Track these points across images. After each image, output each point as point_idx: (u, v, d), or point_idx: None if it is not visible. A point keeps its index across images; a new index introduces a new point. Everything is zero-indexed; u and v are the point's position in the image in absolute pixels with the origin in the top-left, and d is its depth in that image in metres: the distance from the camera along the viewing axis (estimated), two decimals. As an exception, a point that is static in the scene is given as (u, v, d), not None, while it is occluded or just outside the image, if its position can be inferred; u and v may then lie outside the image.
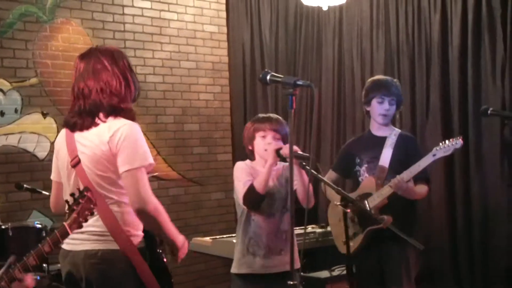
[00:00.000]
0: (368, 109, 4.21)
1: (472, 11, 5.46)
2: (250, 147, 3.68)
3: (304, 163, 3.22)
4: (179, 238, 2.86)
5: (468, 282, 5.51)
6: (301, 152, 3.33)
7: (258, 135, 3.60)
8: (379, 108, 4.12)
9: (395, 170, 4.01)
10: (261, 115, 3.76)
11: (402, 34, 6.09)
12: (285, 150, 3.31)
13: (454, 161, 5.41)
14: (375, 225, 3.92)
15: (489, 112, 3.95)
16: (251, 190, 3.46)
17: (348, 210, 3.56)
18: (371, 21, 6.42)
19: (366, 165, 4.13)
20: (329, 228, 5.43)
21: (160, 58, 6.24)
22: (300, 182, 3.42)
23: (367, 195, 4.00)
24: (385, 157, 4.05)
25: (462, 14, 5.53)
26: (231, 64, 6.84)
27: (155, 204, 2.71)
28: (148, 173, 2.74)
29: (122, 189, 2.74)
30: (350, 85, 6.63)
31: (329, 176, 4.32)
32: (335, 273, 5.09)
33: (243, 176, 3.58)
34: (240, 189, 3.55)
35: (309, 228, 5.54)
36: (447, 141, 3.87)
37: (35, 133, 5.47)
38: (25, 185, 5.02)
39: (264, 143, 3.57)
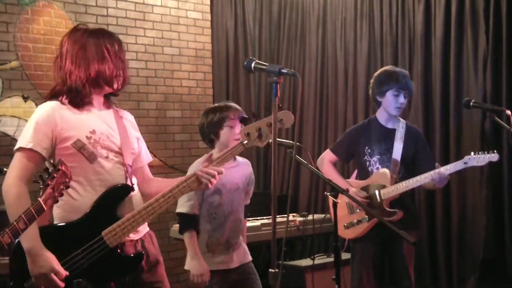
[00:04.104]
0: (380, 99, 4.17)
1: (455, 3, 5.49)
2: (212, 136, 3.73)
3: (290, 151, 3.21)
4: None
5: (445, 276, 5.56)
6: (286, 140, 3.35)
7: (226, 125, 3.61)
8: (394, 101, 4.10)
9: (405, 163, 4.11)
10: (220, 104, 3.76)
11: (386, 24, 6.11)
12: None
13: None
14: (387, 217, 3.94)
15: (471, 104, 3.98)
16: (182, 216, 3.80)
17: (338, 201, 3.59)
18: (355, 11, 6.43)
19: (378, 156, 4.14)
20: (309, 217, 5.50)
21: (143, 43, 6.19)
22: None
23: (380, 187, 4.05)
24: (397, 151, 4.10)
25: (446, 6, 5.57)
26: (214, 51, 6.81)
27: (6, 186, 2.80)
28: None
29: None
30: (333, 74, 6.65)
31: (329, 157, 4.33)
32: (317, 261, 5.11)
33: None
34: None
35: (290, 217, 5.56)
36: (480, 152, 3.86)
37: (15, 117, 5.41)
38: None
39: (232, 133, 3.60)
